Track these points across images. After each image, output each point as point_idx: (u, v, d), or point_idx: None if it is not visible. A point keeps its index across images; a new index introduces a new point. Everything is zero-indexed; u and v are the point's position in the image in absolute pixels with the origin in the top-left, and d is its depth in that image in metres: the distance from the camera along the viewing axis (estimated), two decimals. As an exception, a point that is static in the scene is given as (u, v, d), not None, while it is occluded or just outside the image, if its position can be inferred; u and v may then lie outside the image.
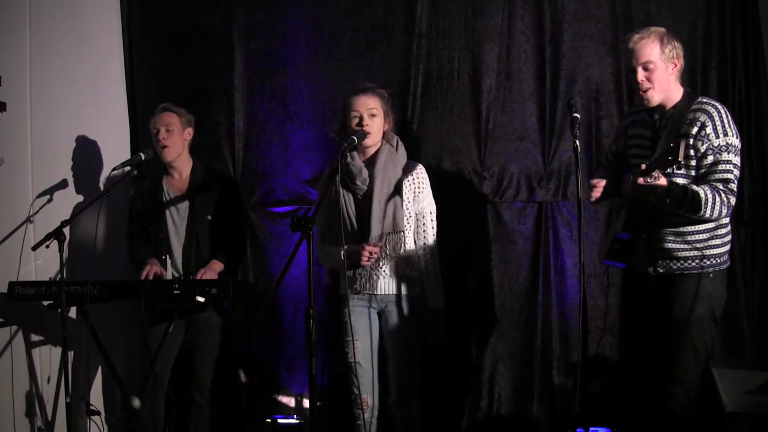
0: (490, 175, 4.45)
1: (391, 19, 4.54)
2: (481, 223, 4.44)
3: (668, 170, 3.12)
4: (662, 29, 3.37)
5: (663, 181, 3.12)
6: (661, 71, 3.31)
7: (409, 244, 3.70)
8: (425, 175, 3.77)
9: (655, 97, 3.33)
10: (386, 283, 3.68)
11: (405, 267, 3.69)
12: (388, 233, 3.66)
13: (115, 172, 4.06)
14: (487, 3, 4.46)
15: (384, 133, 3.76)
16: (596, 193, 3.43)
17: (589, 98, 4.36)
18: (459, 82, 4.49)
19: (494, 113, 4.45)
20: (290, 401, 4.60)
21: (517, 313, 4.42)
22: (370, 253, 3.59)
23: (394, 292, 3.68)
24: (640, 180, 3.09)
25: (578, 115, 3.20)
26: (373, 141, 3.70)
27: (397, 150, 3.75)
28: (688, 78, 4.25)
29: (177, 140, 4.13)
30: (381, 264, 3.66)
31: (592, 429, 3.97)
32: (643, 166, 3.10)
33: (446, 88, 4.50)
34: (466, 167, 4.47)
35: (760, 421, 3.24)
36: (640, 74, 3.32)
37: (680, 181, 3.27)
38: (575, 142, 3.13)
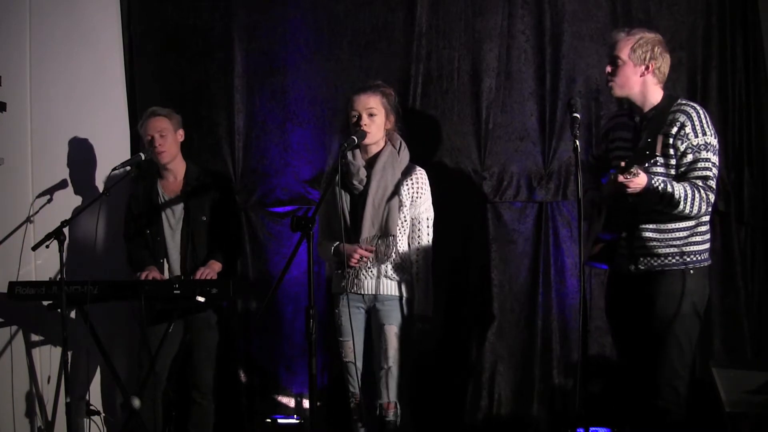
0: (490, 175, 4.45)
1: (391, 19, 4.54)
2: (481, 223, 4.44)
3: (647, 165, 3.17)
4: (650, 34, 3.43)
5: (642, 177, 3.18)
6: (629, 69, 3.40)
7: (403, 248, 3.70)
8: (425, 180, 3.76)
9: (616, 90, 3.45)
10: (374, 284, 3.69)
11: (396, 270, 3.69)
12: (379, 236, 3.66)
13: (115, 172, 4.06)
14: (487, 3, 4.45)
15: (387, 132, 3.76)
16: None
17: (589, 98, 4.36)
18: (459, 82, 4.49)
19: (494, 113, 4.45)
20: (290, 401, 4.60)
21: (517, 313, 4.42)
22: (361, 256, 3.61)
23: (383, 293, 3.68)
24: (620, 178, 3.15)
25: (578, 115, 3.22)
26: (373, 140, 3.71)
27: (399, 152, 3.76)
28: (688, 78, 4.28)
29: (171, 144, 4.13)
30: (369, 265, 3.67)
31: (592, 429, 3.97)
32: (623, 163, 3.16)
33: (446, 88, 4.50)
34: (466, 167, 4.47)
35: (760, 421, 3.24)
36: (608, 66, 3.45)
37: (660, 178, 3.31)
38: (575, 142, 3.14)
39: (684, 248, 3.36)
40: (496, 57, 4.44)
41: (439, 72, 4.50)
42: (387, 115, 3.74)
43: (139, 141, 4.68)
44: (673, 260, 3.37)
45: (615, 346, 3.74)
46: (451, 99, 4.49)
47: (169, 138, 4.11)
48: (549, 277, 4.38)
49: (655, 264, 3.38)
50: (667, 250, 3.37)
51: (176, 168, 4.19)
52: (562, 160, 4.40)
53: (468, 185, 4.46)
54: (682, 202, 3.26)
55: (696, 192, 3.27)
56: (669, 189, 3.24)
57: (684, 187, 3.27)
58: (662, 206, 3.29)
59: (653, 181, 3.23)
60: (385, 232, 3.66)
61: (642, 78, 3.41)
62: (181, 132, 4.19)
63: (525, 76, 4.44)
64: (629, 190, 3.20)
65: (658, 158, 3.28)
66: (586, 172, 3.72)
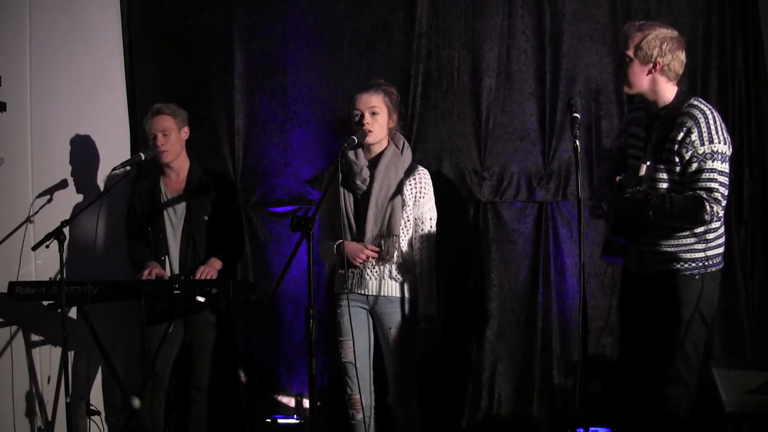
0: (490, 175, 4.45)
1: (391, 19, 4.54)
2: (481, 223, 4.44)
3: (635, 189, 3.16)
4: (662, 30, 3.34)
5: (640, 194, 3.15)
6: (636, 66, 3.32)
7: (406, 248, 3.70)
8: (428, 180, 3.77)
9: (626, 88, 3.39)
10: (378, 284, 3.69)
11: (399, 270, 3.69)
12: (383, 236, 3.66)
13: (115, 172, 4.06)
14: (487, 3, 4.46)
15: (389, 131, 3.76)
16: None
17: (589, 98, 4.36)
18: (459, 82, 4.49)
19: (494, 113, 4.45)
20: (290, 401, 4.60)
21: (517, 313, 4.42)
22: (367, 256, 3.61)
23: (386, 294, 3.68)
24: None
25: (578, 115, 3.19)
26: (376, 139, 3.71)
27: (402, 152, 3.76)
28: (688, 78, 4.26)
29: (174, 143, 4.12)
30: (372, 265, 3.67)
31: (592, 429, 3.97)
32: (618, 178, 3.16)
33: (446, 88, 4.50)
34: (466, 167, 4.47)
35: (760, 421, 3.23)
36: (617, 64, 3.41)
37: (665, 186, 3.28)
38: (575, 142, 3.12)
39: (689, 254, 3.29)
40: (496, 57, 4.44)
41: (439, 72, 4.50)
42: (390, 114, 3.74)
43: (139, 141, 4.69)
44: (678, 265, 3.30)
45: (622, 345, 3.72)
46: (451, 99, 4.49)
47: (172, 137, 4.10)
48: (549, 277, 4.38)
49: (661, 269, 3.33)
50: (673, 256, 3.31)
51: (179, 166, 4.19)
52: (562, 160, 4.40)
53: (468, 185, 4.46)
54: (682, 216, 3.20)
55: (699, 204, 3.18)
56: (667, 205, 3.19)
57: (685, 200, 3.20)
58: (662, 220, 3.23)
59: (651, 197, 3.18)
60: (389, 232, 3.66)
61: (650, 76, 3.31)
62: (186, 129, 4.18)
63: (525, 76, 4.44)
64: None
65: (660, 168, 3.26)
66: (604, 163, 3.70)
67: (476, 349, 4.43)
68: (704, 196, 3.19)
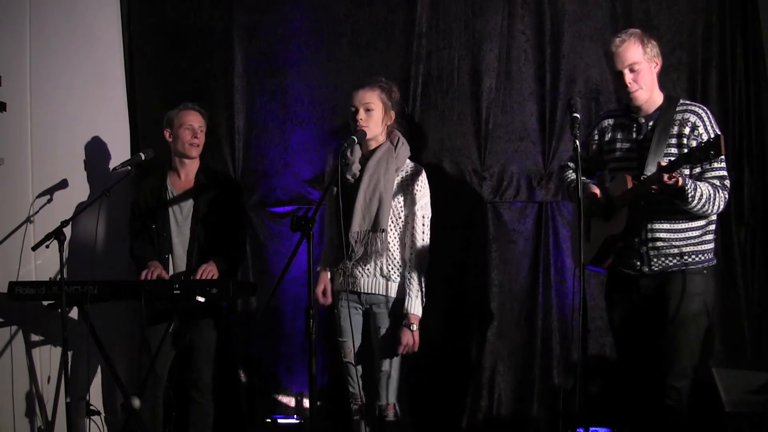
0: (490, 175, 4.46)
1: (391, 19, 4.55)
2: (481, 223, 4.44)
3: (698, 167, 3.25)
4: (638, 30, 3.46)
5: (681, 178, 3.20)
6: (646, 71, 3.41)
7: (397, 246, 3.69)
8: (424, 178, 3.75)
9: (642, 96, 3.43)
10: (370, 283, 3.69)
11: (390, 269, 3.68)
12: (369, 230, 3.65)
13: (115, 172, 4.06)
14: (487, 3, 4.46)
15: (387, 128, 3.75)
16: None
17: (589, 98, 4.37)
18: (459, 82, 4.49)
19: (494, 113, 4.45)
20: (290, 401, 4.60)
21: (517, 313, 4.42)
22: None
23: (379, 292, 3.68)
24: (665, 177, 3.14)
25: (578, 115, 3.22)
26: (371, 135, 3.69)
27: (396, 148, 3.74)
28: (688, 78, 4.28)
29: (203, 141, 4.19)
30: (364, 262, 3.66)
31: (592, 429, 3.97)
32: (664, 162, 3.16)
33: (446, 88, 4.50)
34: (466, 167, 4.47)
35: (760, 421, 3.24)
36: (628, 76, 3.40)
37: None
38: (575, 142, 3.14)
39: (697, 247, 3.40)
40: (496, 57, 4.44)
41: (439, 72, 4.50)
42: (386, 110, 3.73)
43: (139, 141, 4.69)
44: (688, 259, 3.39)
45: (616, 345, 3.73)
46: (451, 99, 4.49)
47: (204, 135, 4.18)
48: (549, 277, 4.38)
49: (670, 264, 3.40)
50: (682, 250, 3.39)
51: (191, 165, 4.19)
52: (562, 160, 4.39)
53: (468, 185, 4.46)
54: (706, 203, 3.28)
55: (716, 192, 3.31)
56: (698, 190, 3.27)
57: (707, 188, 3.30)
58: (689, 207, 3.29)
59: (688, 184, 3.24)
60: (375, 227, 3.64)
61: (653, 75, 3.44)
62: None
63: (525, 76, 4.44)
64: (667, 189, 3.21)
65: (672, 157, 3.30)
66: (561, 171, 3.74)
67: (476, 349, 4.43)
68: (718, 184, 3.34)
